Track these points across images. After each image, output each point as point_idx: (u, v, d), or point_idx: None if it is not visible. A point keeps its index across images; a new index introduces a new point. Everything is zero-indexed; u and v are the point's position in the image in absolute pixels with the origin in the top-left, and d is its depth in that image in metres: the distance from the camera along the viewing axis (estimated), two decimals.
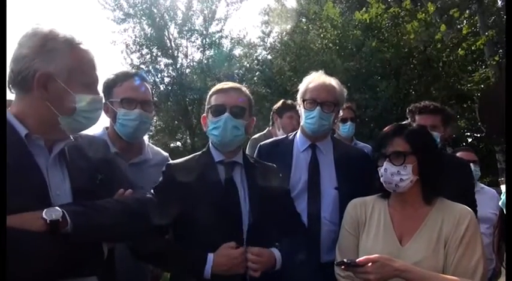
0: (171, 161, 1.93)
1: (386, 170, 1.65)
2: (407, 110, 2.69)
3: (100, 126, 2.09)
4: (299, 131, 2.36)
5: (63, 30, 1.29)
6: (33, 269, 1.14)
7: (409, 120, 2.61)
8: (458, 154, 3.67)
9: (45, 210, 1.17)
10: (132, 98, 1.97)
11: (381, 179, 1.69)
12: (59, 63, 1.25)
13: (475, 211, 2.23)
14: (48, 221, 1.15)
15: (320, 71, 2.34)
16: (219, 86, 1.90)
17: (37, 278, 1.15)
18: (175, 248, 1.78)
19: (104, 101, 1.49)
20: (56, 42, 1.25)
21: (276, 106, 3.93)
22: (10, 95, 1.32)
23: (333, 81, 2.26)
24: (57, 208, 1.19)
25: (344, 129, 3.66)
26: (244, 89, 1.91)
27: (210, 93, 1.90)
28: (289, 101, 3.87)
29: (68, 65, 1.26)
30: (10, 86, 1.28)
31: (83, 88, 1.31)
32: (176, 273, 1.88)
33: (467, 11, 8.60)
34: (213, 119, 1.82)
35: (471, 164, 3.44)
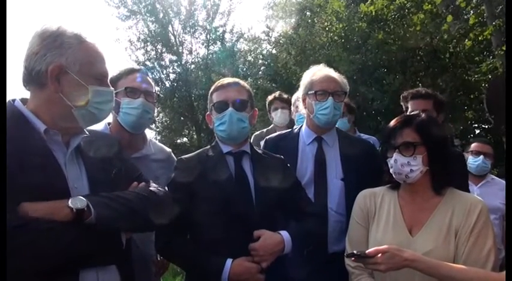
0: (182, 156, 1.95)
1: (396, 161, 1.65)
2: (401, 97, 2.72)
3: (102, 122, 2.11)
4: (304, 124, 2.36)
5: (71, 27, 1.34)
6: (56, 259, 1.17)
7: (403, 107, 2.65)
8: (473, 145, 3.59)
9: (70, 199, 1.20)
10: (135, 88, 2.01)
11: (391, 170, 1.69)
12: (70, 56, 1.29)
13: None
14: (74, 210, 1.18)
15: (321, 64, 2.35)
16: (218, 83, 1.94)
17: (59, 267, 1.17)
18: (194, 251, 1.77)
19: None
20: (65, 36, 1.30)
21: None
22: (26, 94, 1.37)
23: (335, 73, 2.27)
24: (81, 197, 1.22)
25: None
26: (242, 82, 1.94)
27: (210, 91, 1.94)
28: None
29: (78, 58, 1.31)
30: (25, 84, 1.33)
31: (94, 80, 1.35)
32: (190, 275, 1.89)
33: (474, 1, 8.46)
34: (217, 116, 1.87)
35: (481, 157, 3.40)
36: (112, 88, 1.44)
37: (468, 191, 2.32)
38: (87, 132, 1.41)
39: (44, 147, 1.26)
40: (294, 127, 2.50)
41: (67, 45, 1.29)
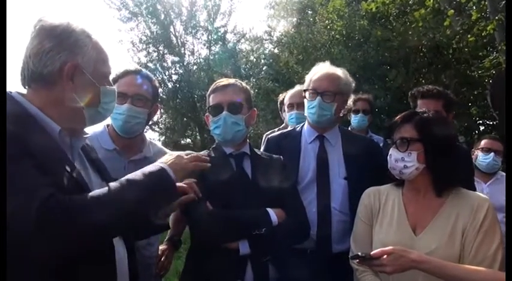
0: None
1: (391, 156, 1.65)
2: (409, 94, 2.63)
3: (101, 124, 2.09)
4: (306, 123, 2.34)
5: (77, 22, 1.28)
6: None
7: (411, 105, 2.54)
8: (483, 141, 3.48)
9: None
10: (123, 93, 1.96)
11: (388, 166, 1.68)
12: (85, 55, 1.26)
13: None
14: None
15: (327, 62, 2.33)
16: (214, 84, 1.92)
17: None
18: (231, 211, 1.75)
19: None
20: (77, 34, 1.25)
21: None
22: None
23: (339, 72, 2.25)
24: None
25: (354, 121, 3.66)
26: (239, 83, 1.92)
27: (208, 92, 1.92)
28: None
29: (93, 57, 1.27)
30: (29, 82, 1.24)
31: (103, 80, 1.32)
32: (236, 232, 1.71)
33: None
34: (213, 119, 1.87)
35: (492, 154, 3.32)
36: (115, 87, 1.42)
37: (474, 190, 2.29)
38: (88, 133, 1.40)
39: (58, 147, 1.21)
40: (296, 126, 2.47)
41: (82, 44, 1.25)
